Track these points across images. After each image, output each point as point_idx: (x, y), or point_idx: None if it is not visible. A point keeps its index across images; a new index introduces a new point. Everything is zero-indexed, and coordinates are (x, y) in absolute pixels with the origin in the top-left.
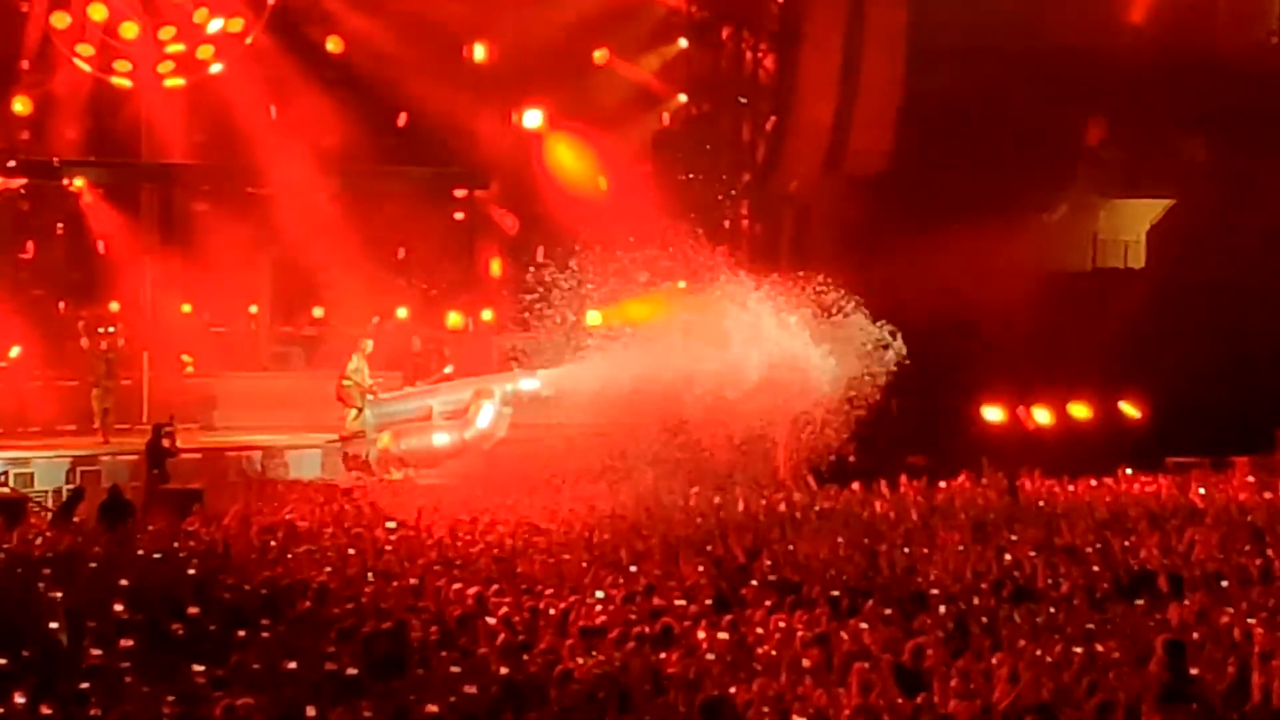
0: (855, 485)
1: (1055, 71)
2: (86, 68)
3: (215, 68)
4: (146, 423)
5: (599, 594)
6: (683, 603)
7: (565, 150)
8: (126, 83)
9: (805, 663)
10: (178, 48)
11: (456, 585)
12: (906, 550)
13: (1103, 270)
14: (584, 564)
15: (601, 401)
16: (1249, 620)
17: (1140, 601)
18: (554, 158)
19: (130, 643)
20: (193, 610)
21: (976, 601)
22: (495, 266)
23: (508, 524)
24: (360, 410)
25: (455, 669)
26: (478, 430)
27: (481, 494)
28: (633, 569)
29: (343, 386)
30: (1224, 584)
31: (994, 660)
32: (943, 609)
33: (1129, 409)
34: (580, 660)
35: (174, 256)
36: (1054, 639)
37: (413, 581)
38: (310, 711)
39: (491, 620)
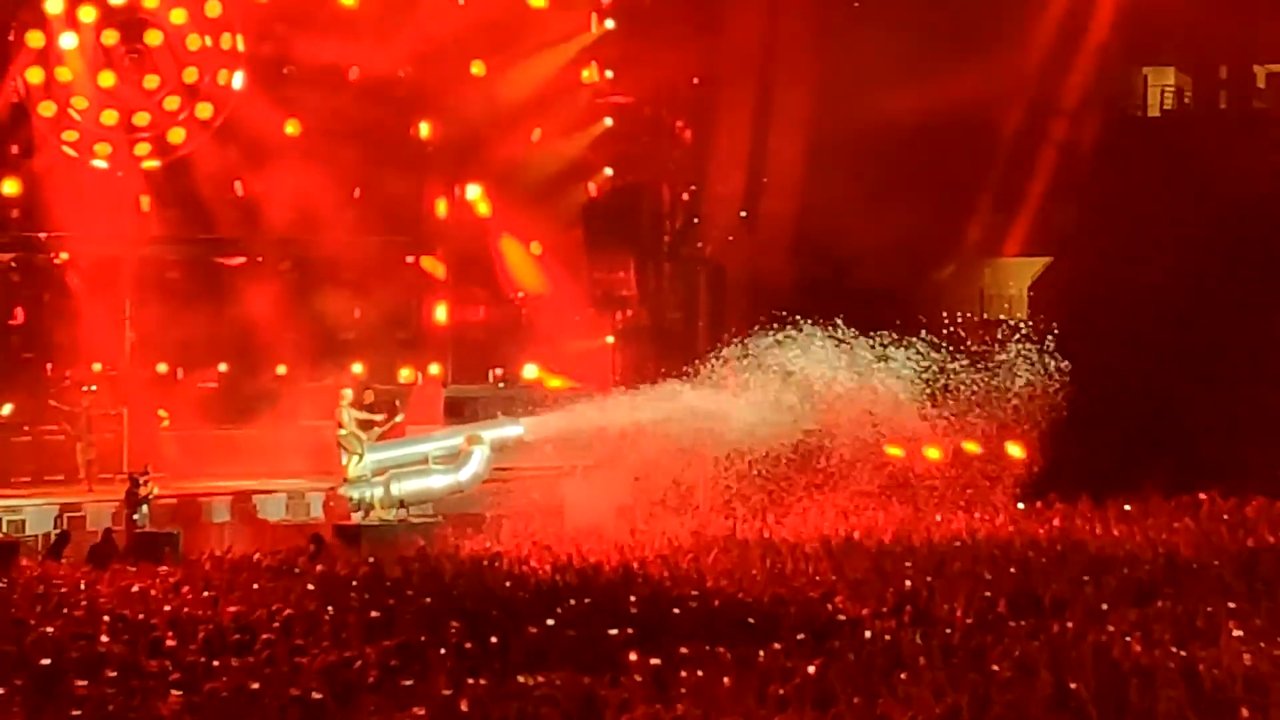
0: (770, 517)
1: (945, 145)
2: (71, 152)
3: (185, 149)
4: (126, 472)
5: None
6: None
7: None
8: (105, 164)
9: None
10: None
11: None
12: (817, 578)
13: (989, 321)
14: None
15: (572, 445)
16: (1125, 639)
17: (1025, 623)
18: (493, 227)
19: (114, 674)
20: (170, 642)
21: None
22: (442, 321)
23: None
24: (360, 456)
25: None
26: (470, 473)
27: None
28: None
29: (340, 437)
30: (1104, 606)
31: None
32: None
33: (1015, 449)
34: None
35: (150, 320)
36: (949, 659)
37: None
38: None
39: None
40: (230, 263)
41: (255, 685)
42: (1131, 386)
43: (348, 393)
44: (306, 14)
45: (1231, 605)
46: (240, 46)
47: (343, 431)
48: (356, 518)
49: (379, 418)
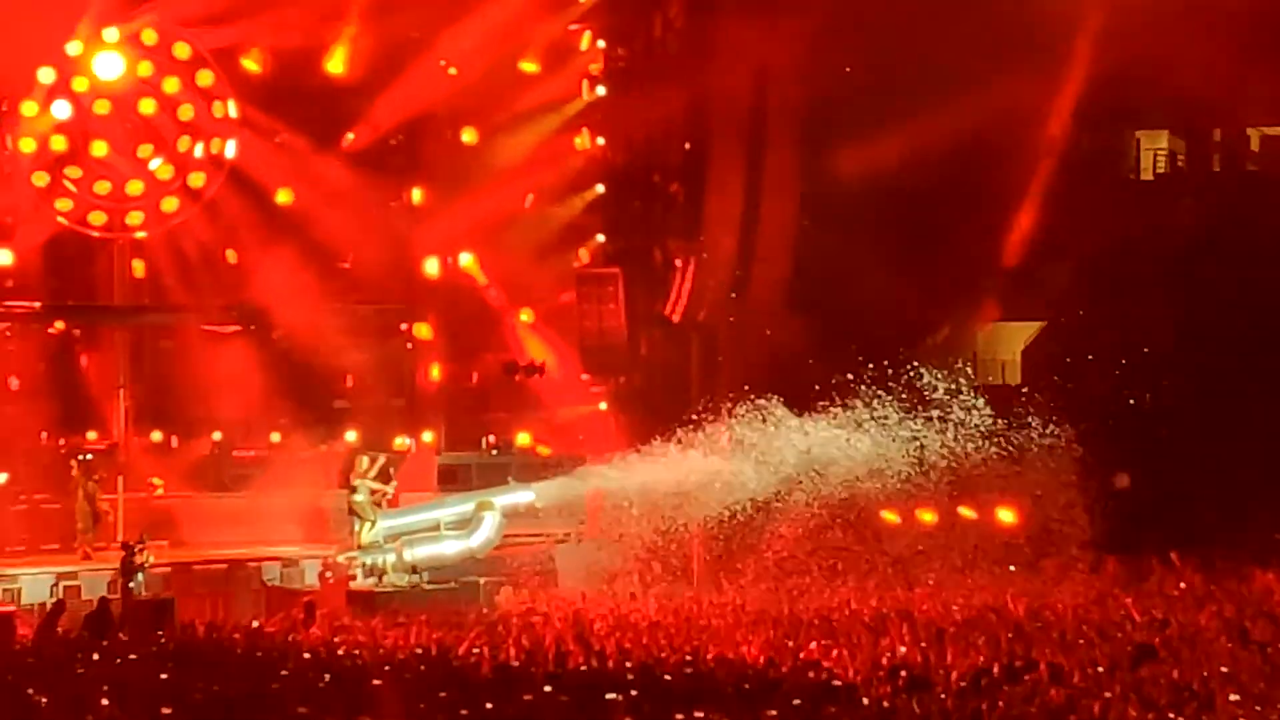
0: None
1: (938, 209)
2: (65, 221)
3: (178, 219)
4: (121, 540)
5: None
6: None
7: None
8: (98, 233)
9: None
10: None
11: None
12: (811, 637)
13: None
14: None
15: (579, 511)
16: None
17: (1020, 687)
18: (486, 293)
19: None
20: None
21: (876, 692)
22: (434, 388)
23: None
24: (373, 523)
25: None
26: (482, 539)
27: None
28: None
29: (354, 503)
30: (1099, 669)
31: None
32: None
33: (1006, 514)
34: None
35: (144, 389)
36: None
37: None
38: None
39: None
40: (223, 330)
41: None
42: (1125, 450)
43: (364, 460)
44: (297, 83)
45: (1224, 670)
46: (232, 114)
47: (358, 498)
48: (369, 583)
49: (390, 487)
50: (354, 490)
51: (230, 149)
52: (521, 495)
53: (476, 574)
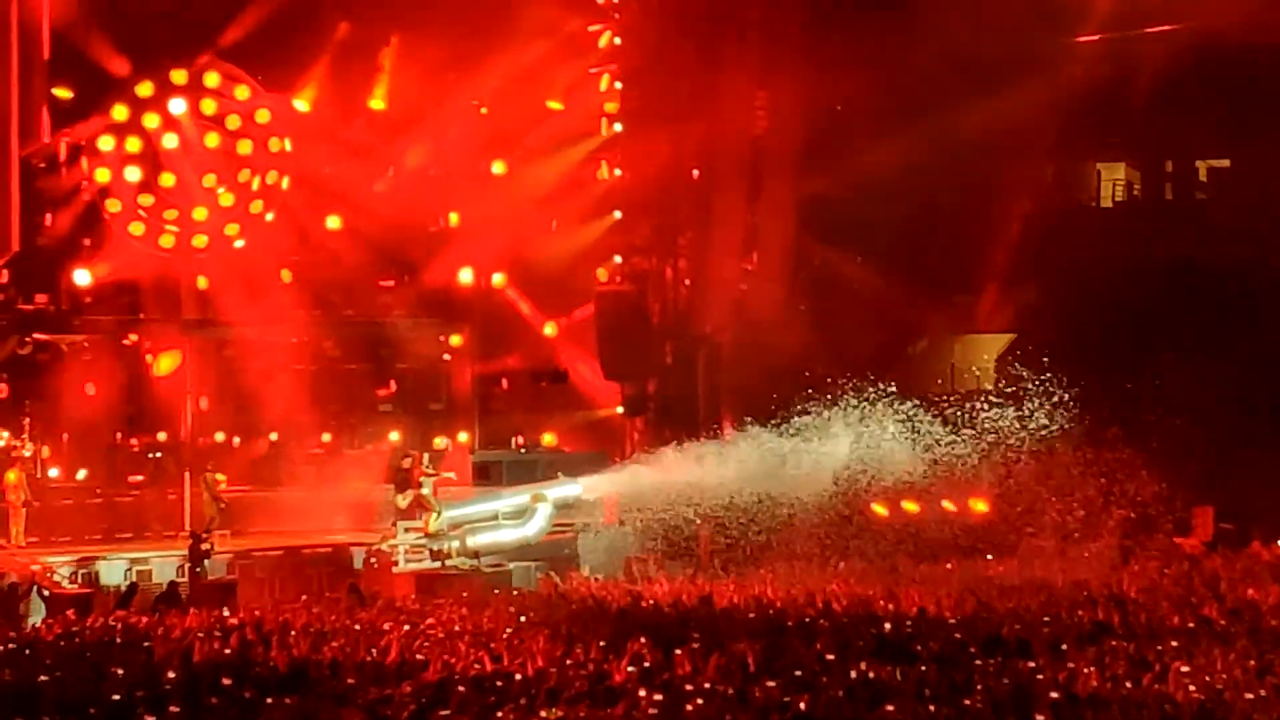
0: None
1: (921, 233)
2: (138, 245)
3: (239, 242)
4: (189, 530)
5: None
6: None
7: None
8: (167, 255)
9: (729, 716)
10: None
11: None
12: (806, 615)
13: (959, 391)
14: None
15: (598, 503)
16: (1087, 671)
17: (993, 661)
18: (515, 308)
19: (177, 709)
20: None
21: (864, 665)
22: (469, 393)
23: None
24: (439, 513)
25: None
26: (536, 528)
27: None
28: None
29: (421, 495)
30: (1063, 647)
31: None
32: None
33: (979, 505)
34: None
35: (209, 394)
36: (924, 693)
37: None
38: None
39: None
40: (279, 342)
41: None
42: (1085, 448)
43: (426, 456)
44: (344, 119)
45: (1175, 644)
46: (288, 148)
47: (425, 490)
48: (434, 566)
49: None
50: (420, 485)
51: (285, 180)
52: (570, 489)
53: (511, 559)
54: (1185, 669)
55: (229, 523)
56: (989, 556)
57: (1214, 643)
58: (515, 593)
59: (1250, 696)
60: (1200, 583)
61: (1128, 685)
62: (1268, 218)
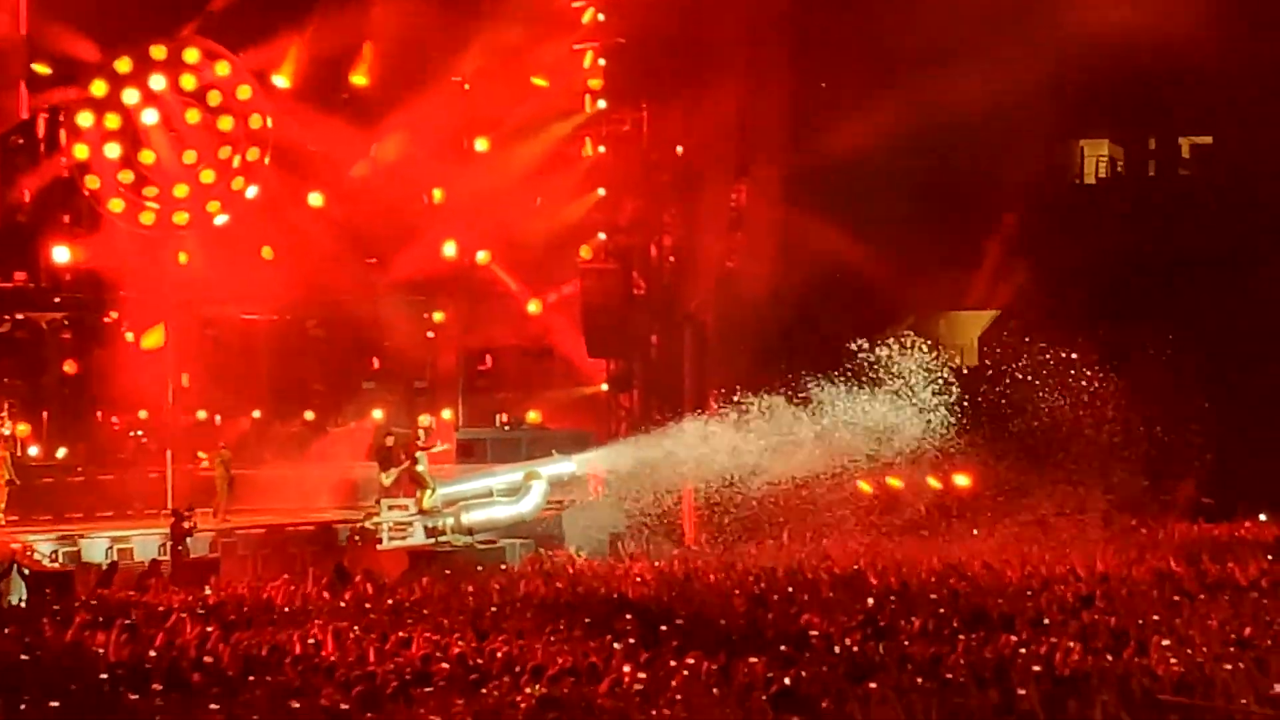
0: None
1: (904, 211)
2: (118, 222)
3: (220, 219)
4: (171, 508)
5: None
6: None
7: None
8: (148, 231)
9: (714, 691)
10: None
11: None
12: (790, 591)
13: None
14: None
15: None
16: (1069, 645)
17: (978, 634)
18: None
19: (159, 686)
20: (208, 659)
21: (848, 640)
22: (453, 371)
23: None
24: (433, 490)
25: None
26: (531, 504)
27: None
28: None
29: (416, 472)
30: (1045, 621)
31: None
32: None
33: (962, 479)
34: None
35: (190, 372)
36: (908, 667)
37: None
38: None
39: None
40: (261, 319)
41: (287, 697)
42: (1068, 424)
43: (421, 434)
44: (326, 96)
45: (1155, 618)
46: (269, 125)
47: (420, 467)
48: (429, 543)
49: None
50: (416, 461)
51: (266, 156)
52: (564, 466)
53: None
54: (1166, 642)
55: (211, 501)
56: (975, 531)
57: (1194, 616)
58: (503, 568)
59: (1229, 668)
60: (1181, 557)
61: (1109, 659)
62: (1249, 193)
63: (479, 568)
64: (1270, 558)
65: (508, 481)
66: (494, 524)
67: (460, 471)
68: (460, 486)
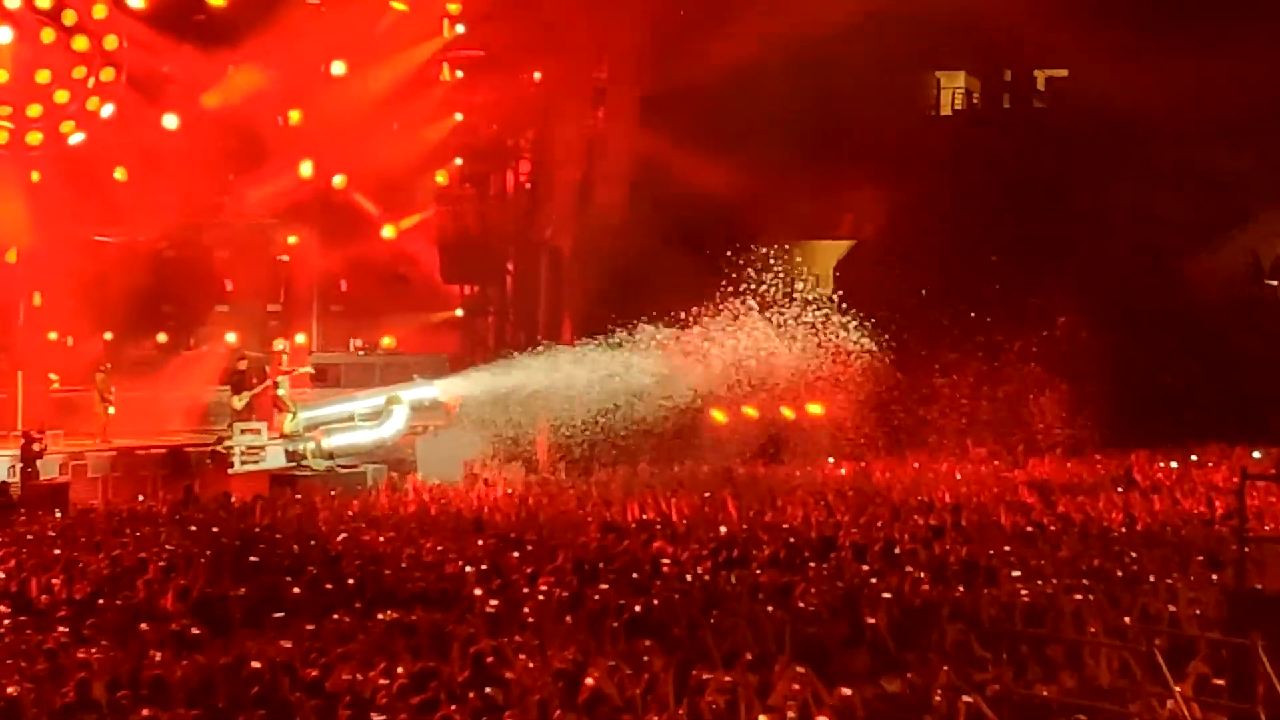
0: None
1: (762, 139)
2: None
3: (75, 138)
4: (21, 430)
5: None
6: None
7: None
8: None
9: (567, 619)
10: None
11: None
12: (643, 519)
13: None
14: None
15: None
16: (919, 575)
17: (829, 564)
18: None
19: (6, 609)
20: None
21: (699, 569)
22: (307, 295)
23: None
24: (295, 414)
25: None
26: (393, 429)
27: None
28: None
29: (277, 396)
30: (896, 551)
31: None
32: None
33: (815, 409)
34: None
35: (42, 293)
36: (759, 596)
37: None
38: (157, 657)
39: None
40: (115, 241)
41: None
42: (921, 356)
43: (284, 358)
44: (181, 17)
45: (1007, 549)
46: (125, 45)
47: (280, 392)
48: (290, 466)
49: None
50: (277, 385)
51: (121, 77)
52: (427, 391)
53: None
54: (1016, 573)
55: (61, 422)
56: (830, 460)
57: (1045, 547)
58: (360, 489)
59: (1079, 598)
60: (1034, 489)
61: (960, 589)
62: (1104, 126)
63: (332, 493)
64: (1120, 490)
65: (370, 406)
66: (355, 448)
67: (320, 396)
68: (322, 411)
